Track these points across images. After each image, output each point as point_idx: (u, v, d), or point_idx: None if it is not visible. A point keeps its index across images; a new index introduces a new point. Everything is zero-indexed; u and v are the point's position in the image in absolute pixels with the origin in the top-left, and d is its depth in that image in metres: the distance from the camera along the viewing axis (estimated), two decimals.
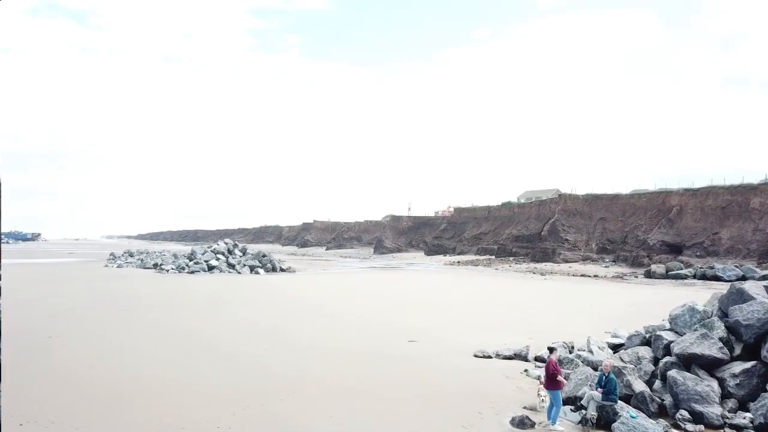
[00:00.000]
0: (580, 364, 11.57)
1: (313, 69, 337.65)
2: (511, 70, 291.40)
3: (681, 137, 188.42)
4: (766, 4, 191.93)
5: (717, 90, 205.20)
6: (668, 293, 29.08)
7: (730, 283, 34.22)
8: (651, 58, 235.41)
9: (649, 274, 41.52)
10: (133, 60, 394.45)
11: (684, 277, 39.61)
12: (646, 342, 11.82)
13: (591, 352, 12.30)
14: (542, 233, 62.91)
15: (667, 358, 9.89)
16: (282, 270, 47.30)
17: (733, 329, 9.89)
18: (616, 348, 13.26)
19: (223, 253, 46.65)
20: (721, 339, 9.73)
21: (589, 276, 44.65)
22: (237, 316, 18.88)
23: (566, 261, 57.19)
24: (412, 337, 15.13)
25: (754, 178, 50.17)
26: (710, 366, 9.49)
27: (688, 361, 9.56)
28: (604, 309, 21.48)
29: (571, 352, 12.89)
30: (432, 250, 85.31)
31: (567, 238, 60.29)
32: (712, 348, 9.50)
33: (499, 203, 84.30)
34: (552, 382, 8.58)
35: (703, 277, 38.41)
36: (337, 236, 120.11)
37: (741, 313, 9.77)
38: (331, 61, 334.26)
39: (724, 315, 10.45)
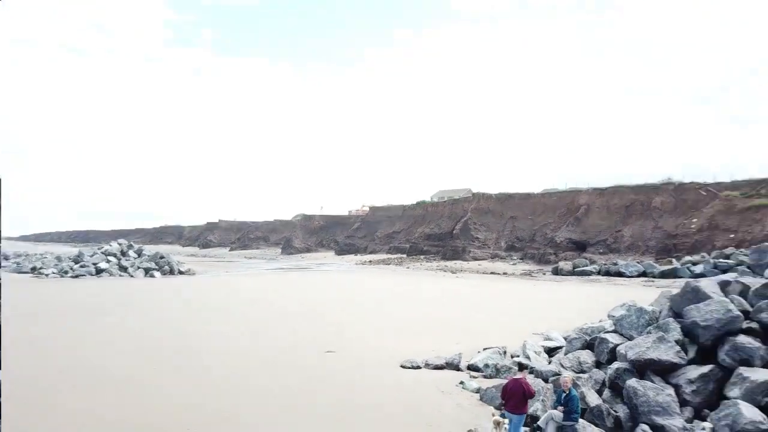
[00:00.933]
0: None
1: (229, 64, 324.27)
2: (427, 72, 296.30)
3: (591, 140, 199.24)
4: (669, 15, 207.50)
5: (621, 97, 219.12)
6: (580, 290, 29.22)
7: (631, 279, 34.96)
8: (562, 65, 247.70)
9: (556, 271, 42.19)
10: (30, 50, 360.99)
11: (589, 273, 40.54)
12: (588, 345, 10.81)
13: (528, 357, 11.10)
14: (454, 231, 63.07)
15: (618, 365, 8.76)
16: (181, 272, 43.71)
17: (689, 331, 8.92)
18: (551, 352, 12.21)
19: (115, 255, 42.36)
20: (677, 342, 8.74)
21: (499, 273, 44.83)
22: (118, 326, 16.19)
23: (475, 259, 57.52)
24: (329, 345, 13.35)
25: (657, 179, 52.92)
26: (665, 372, 8.47)
27: (643, 368, 8.47)
28: (525, 308, 20.77)
29: (511, 357, 11.70)
30: (343, 250, 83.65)
31: (477, 237, 60.76)
32: (669, 352, 8.47)
33: (414, 202, 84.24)
34: (520, 405, 7.12)
35: (607, 273, 39.46)
36: (242, 236, 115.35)
37: (699, 314, 8.82)
38: (248, 57, 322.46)
39: (676, 315, 9.53)
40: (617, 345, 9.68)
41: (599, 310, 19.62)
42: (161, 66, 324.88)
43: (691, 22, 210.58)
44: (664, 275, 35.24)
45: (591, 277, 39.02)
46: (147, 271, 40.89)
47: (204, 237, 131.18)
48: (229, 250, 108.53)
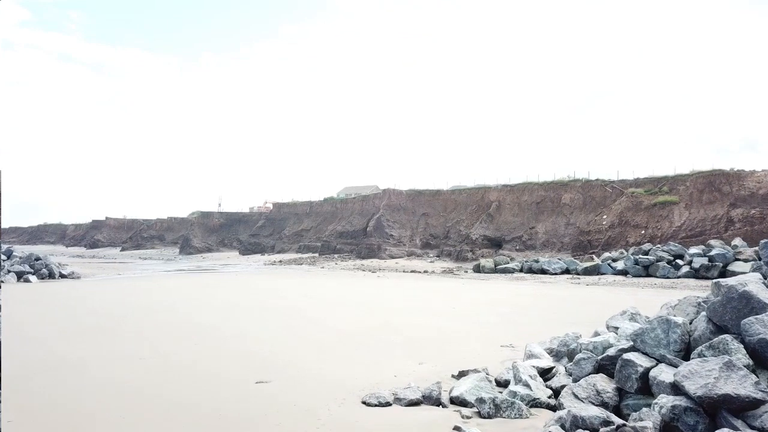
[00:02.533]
0: (526, 410, 7.95)
1: (102, 52, 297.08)
2: (325, 67, 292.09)
3: (495, 139, 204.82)
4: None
5: (536, 98, 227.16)
6: (512, 289, 27.82)
7: (555, 276, 34.32)
8: (467, 61, 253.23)
9: (478, 269, 41.07)
10: None
11: (512, 270, 39.74)
12: (599, 367, 8.70)
13: (527, 385, 8.75)
14: (367, 229, 60.87)
15: (675, 401, 6.57)
16: (63, 276, 37.99)
17: (754, 352, 6.94)
18: (544, 374, 10.06)
19: None
20: (747, 367, 6.71)
21: (419, 272, 43.10)
22: None
23: (392, 257, 55.69)
24: (258, 371, 10.32)
25: (562, 176, 53.54)
26: (741, 410, 6.42)
27: (715, 407, 6.34)
28: (467, 311, 18.64)
29: (498, 385, 9.31)
30: (248, 249, 78.98)
31: (392, 234, 58.95)
32: (745, 384, 6.34)
33: (321, 198, 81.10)
34: None
35: (530, 270, 38.78)
36: (134, 235, 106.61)
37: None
38: (124, 45, 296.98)
39: (720, 330, 7.57)
40: (648, 369, 7.58)
41: (553, 312, 17.93)
42: (20, 50, 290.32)
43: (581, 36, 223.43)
44: (587, 272, 34.95)
45: (515, 275, 38.16)
46: (20, 276, 34.99)
47: (90, 236, 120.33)
48: (121, 251, 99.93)
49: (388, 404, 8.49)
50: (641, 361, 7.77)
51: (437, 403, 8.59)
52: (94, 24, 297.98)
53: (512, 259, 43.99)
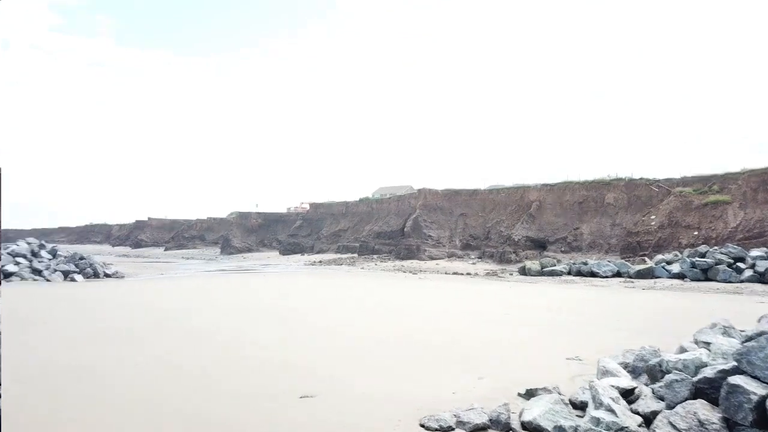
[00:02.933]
0: None
1: (133, 55, 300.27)
2: (357, 66, 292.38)
3: (532, 137, 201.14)
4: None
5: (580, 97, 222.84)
6: (563, 293, 26.43)
7: (607, 279, 32.65)
8: (497, 59, 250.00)
9: (524, 271, 39.61)
10: None
11: (559, 273, 38.16)
12: (696, 391, 7.54)
13: (611, 410, 7.64)
14: (405, 229, 59.89)
15: None
16: (107, 275, 38.29)
17: None
18: (626, 395, 8.93)
19: (24, 256, 36.42)
20: None
21: (462, 273, 41.91)
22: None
23: (432, 258, 54.59)
24: (301, 384, 9.50)
25: (604, 175, 51.49)
26: None
27: None
28: (521, 316, 17.49)
29: (575, 407, 8.24)
30: (288, 249, 79.02)
31: (430, 234, 57.83)
32: None
33: (357, 199, 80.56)
34: None
35: (579, 273, 37.14)
36: (176, 235, 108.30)
37: None
38: (154, 48, 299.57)
39: None
40: (765, 398, 6.41)
41: (615, 319, 16.62)
42: (54, 55, 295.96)
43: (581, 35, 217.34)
44: (641, 275, 33.12)
45: (563, 278, 36.61)
46: (66, 275, 35.36)
47: (135, 236, 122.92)
48: (165, 250, 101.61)
49: (450, 429, 7.51)
50: (753, 387, 6.57)
51: (506, 428, 7.56)
52: (123, 28, 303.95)
53: (558, 261, 42.33)
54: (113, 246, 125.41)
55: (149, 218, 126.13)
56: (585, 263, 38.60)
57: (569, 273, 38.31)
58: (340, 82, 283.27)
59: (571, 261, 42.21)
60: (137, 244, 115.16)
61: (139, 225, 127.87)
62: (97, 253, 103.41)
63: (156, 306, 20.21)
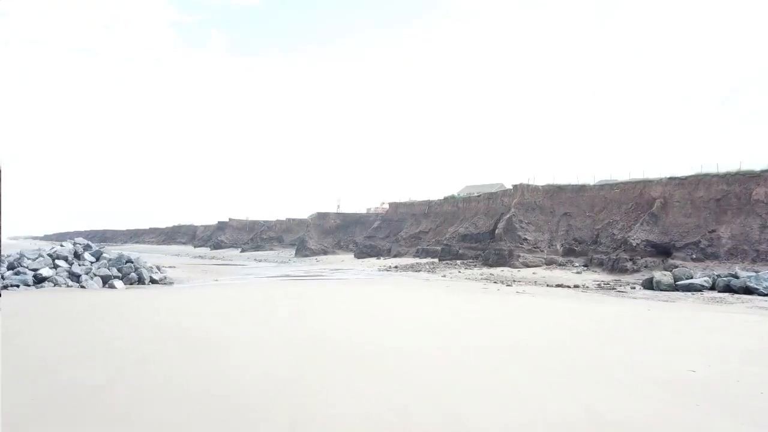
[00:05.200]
0: None
1: (238, 63, 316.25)
2: (447, 64, 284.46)
3: (652, 124, 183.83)
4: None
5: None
6: (729, 322, 18.34)
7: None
8: (595, 51, 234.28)
9: (650, 285, 31.29)
10: (41, 51, 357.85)
11: (699, 288, 29.61)
12: None
13: None
14: (495, 231, 52.29)
15: None
16: (153, 281, 33.91)
17: None
18: None
19: (65, 258, 32.65)
20: None
21: (568, 286, 34.01)
22: None
23: (527, 265, 46.78)
24: None
25: (754, 165, 41.53)
26: None
27: None
28: (721, 381, 10.15)
29: None
30: (363, 252, 73.46)
31: (526, 238, 49.90)
32: None
33: (442, 198, 73.57)
34: None
35: (728, 288, 28.48)
36: (255, 236, 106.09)
37: None
38: (260, 56, 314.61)
39: None
40: None
41: None
42: (172, 67, 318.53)
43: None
44: None
45: (705, 294, 28.08)
46: (106, 280, 31.22)
47: (216, 237, 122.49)
48: (241, 251, 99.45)
49: None
50: None
51: None
52: (233, 39, 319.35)
53: (692, 272, 33.55)
54: (195, 247, 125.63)
55: (230, 219, 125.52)
56: (735, 275, 29.78)
57: (713, 288, 29.66)
58: (430, 77, 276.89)
59: (712, 272, 33.28)
60: (217, 245, 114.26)
61: (221, 226, 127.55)
62: (179, 253, 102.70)
63: (156, 323, 14.45)
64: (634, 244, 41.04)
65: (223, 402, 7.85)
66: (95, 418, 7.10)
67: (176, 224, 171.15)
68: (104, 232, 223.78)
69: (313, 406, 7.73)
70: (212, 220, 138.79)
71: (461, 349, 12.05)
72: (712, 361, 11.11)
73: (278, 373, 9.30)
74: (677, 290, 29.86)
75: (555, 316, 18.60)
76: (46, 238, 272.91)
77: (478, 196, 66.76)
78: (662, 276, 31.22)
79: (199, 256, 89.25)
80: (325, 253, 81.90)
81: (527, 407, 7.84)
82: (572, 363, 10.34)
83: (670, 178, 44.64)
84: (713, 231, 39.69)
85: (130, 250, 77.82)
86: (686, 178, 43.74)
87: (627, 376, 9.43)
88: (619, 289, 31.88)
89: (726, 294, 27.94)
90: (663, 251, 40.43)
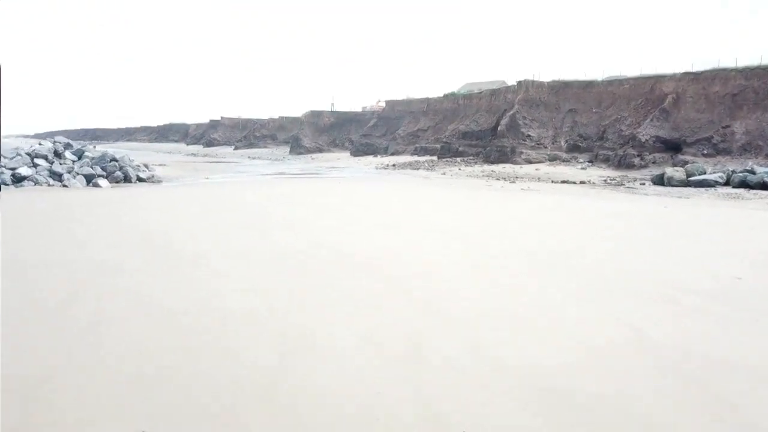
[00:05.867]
0: None
1: None
2: None
3: (663, 17, 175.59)
4: None
5: None
6: (750, 218, 17.19)
7: None
8: None
9: (661, 180, 30.05)
10: None
11: (712, 184, 28.41)
12: None
13: None
14: (498, 128, 50.27)
15: None
16: (141, 180, 32.40)
17: None
18: None
19: (45, 157, 30.86)
20: None
21: (573, 182, 32.80)
22: None
23: (529, 161, 45.28)
24: None
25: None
26: None
27: None
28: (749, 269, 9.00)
29: None
30: (359, 150, 71.59)
31: (529, 134, 48.00)
32: None
33: (441, 95, 70.55)
34: None
35: (743, 184, 27.26)
36: (248, 134, 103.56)
37: None
38: None
39: None
40: None
41: None
42: None
43: None
44: None
45: (719, 190, 26.92)
46: (90, 179, 29.71)
47: (208, 135, 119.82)
48: (234, 149, 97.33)
49: None
50: None
51: None
52: None
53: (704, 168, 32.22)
54: (188, 145, 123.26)
55: (222, 117, 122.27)
56: (751, 171, 28.43)
57: (728, 184, 28.43)
58: None
59: (725, 167, 31.94)
60: (209, 143, 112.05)
61: (213, 124, 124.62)
62: (171, 151, 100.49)
63: (135, 225, 13.14)
64: (643, 140, 39.37)
65: (205, 317, 6.62)
66: (50, 340, 5.87)
67: (168, 122, 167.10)
68: (95, 130, 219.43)
69: (308, 326, 6.51)
70: (204, 119, 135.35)
71: (474, 259, 10.81)
72: (756, 265, 9.88)
73: (267, 287, 8.01)
74: (690, 186, 28.67)
75: (567, 216, 17.34)
76: (37, 136, 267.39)
77: (480, 92, 63.83)
78: (674, 172, 29.89)
79: (192, 154, 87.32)
80: (320, 151, 79.97)
81: (564, 330, 6.61)
82: (600, 273, 9.07)
83: (685, 73, 42.10)
84: (727, 126, 37.89)
85: (122, 148, 75.84)
86: (701, 72, 41.24)
87: (664, 287, 8.17)
88: (627, 185, 30.67)
89: (741, 189, 26.76)
90: (672, 146, 38.86)
